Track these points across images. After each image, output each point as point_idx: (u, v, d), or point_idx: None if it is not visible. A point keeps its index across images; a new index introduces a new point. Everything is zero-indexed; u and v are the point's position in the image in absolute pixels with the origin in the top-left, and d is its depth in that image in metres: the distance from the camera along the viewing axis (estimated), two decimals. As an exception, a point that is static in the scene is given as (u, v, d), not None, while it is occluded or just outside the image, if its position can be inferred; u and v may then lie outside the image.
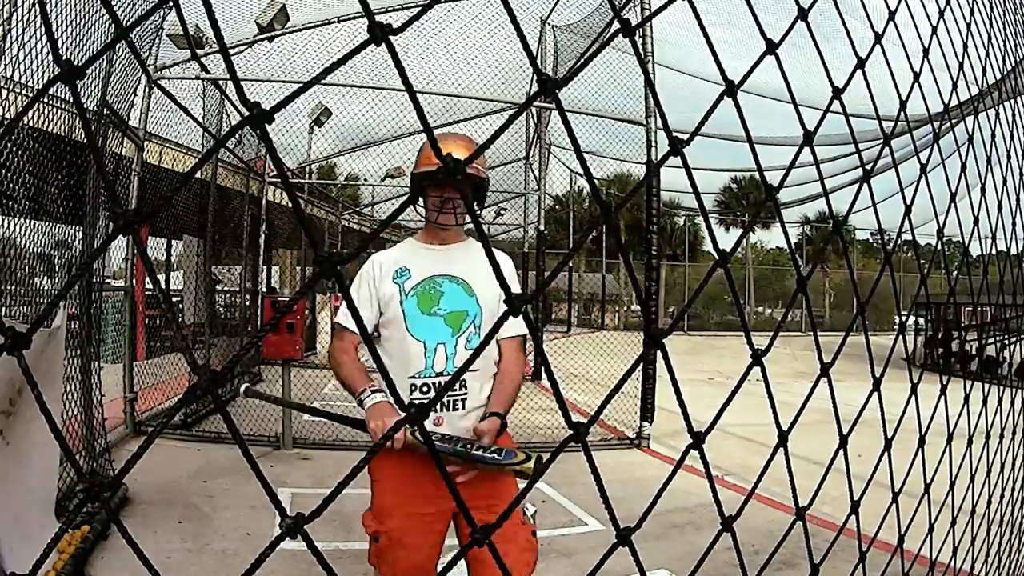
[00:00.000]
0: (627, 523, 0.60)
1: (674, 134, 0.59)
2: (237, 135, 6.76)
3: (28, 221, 3.07)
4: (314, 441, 5.36)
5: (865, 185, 0.91)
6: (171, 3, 4.25)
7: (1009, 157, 1.74)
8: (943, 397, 1.29)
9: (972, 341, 10.37)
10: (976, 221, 1.47)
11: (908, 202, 1.02)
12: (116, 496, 3.60)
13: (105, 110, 4.02)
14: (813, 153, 0.79)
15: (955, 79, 1.29)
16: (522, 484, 1.74)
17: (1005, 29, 1.79)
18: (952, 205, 1.28)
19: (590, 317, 24.80)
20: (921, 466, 1.16)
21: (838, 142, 11.22)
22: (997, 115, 1.77)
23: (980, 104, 1.57)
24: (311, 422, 5.99)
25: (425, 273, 1.85)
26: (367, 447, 4.79)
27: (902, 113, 0.99)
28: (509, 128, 0.56)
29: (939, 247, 1.29)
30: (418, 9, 0.52)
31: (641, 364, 0.67)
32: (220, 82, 6.16)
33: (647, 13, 5.68)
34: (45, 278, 3.78)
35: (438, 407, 1.78)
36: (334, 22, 7.88)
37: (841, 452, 0.89)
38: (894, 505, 1.08)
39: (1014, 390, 2.08)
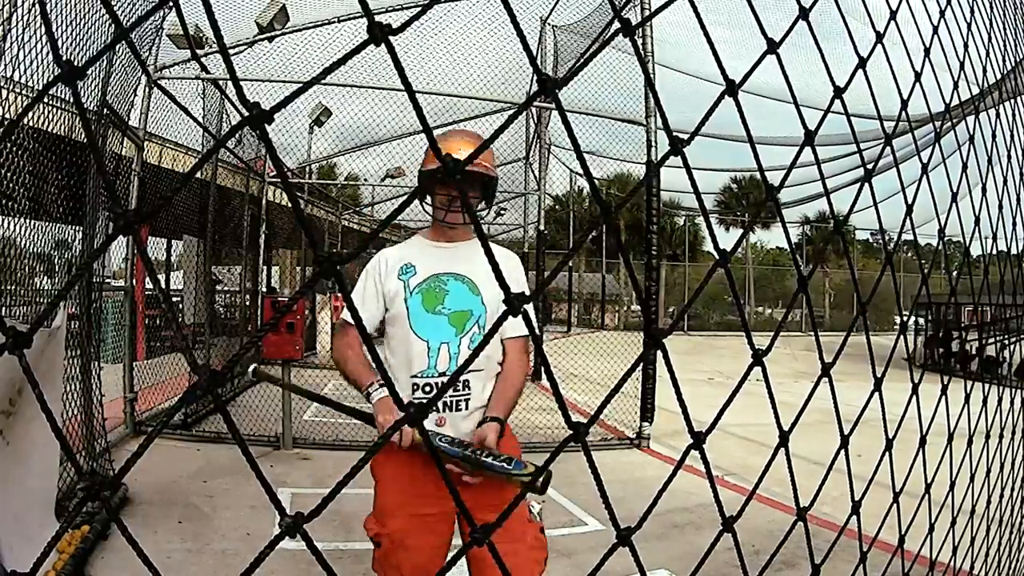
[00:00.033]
0: (627, 523, 0.60)
1: (674, 134, 0.58)
2: (237, 135, 6.76)
3: (28, 221, 3.07)
4: (314, 441, 5.36)
5: (866, 185, 0.91)
6: (171, 3, 4.25)
7: (1009, 157, 1.74)
8: (944, 397, 1.29)
9: (972, 341, 10.37)
10: (977, 221, 1.47)
11: (909, 202, 1.02)
12: (116, 496, 3.60)
13: (105, 110, 4.02)
14: (814, 153, 0.79)
15: (956, 79, 1.29)
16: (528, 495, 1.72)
17: (1005, 29, 1.79)
18: (953, 205, 1.28)
19: (590, 317, 24.80)
20: (922, 466, 1.16)
21: (838, 142, 11.23)
22: (997, 115, 1.77)
23: (981, 104, 1.57)
24: (311, 422, 6.00)
25: (431, 270, 1.83)
26: (367, 447, 4.79)
27: (903, 113, 0.98)
28: (509, 128, 0.56)
29: (939, 247, 1.28)
30: (418, 9, 0.52)
31: (641, 364, 0.67)
32: (220, 82, 6.15)
33: (647, 13, 5.68)
34: (45, 278, 3.78)
35: (440, 407, 1.75)
36: (334, 22, 7.88)
37: (842, 452, 0.89)
38: (894, 505, 1.08)
39: (1014, 390, 2.08)
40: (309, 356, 9.39)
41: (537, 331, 1.91)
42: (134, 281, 5.70)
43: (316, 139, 11.60)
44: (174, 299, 8.69)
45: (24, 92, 2.86)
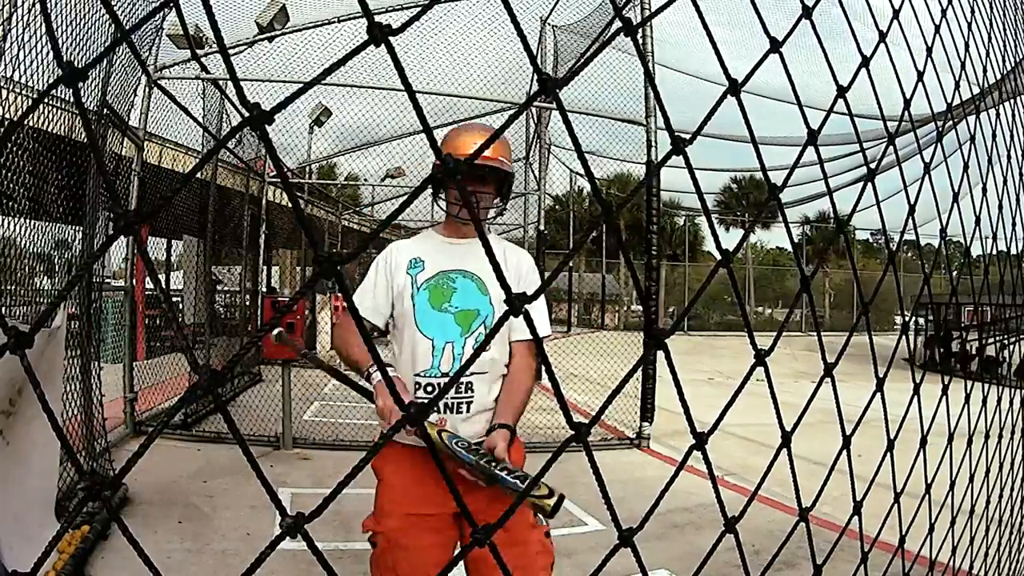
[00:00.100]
0: (627, 523, 0.60)
1: (676, 134, 0.58)
2: (237, 135, 6.75)
3: (28, 221, 3.07)
4: (314, 441, 5.36)
5: (868, 184, 0.91)
6: (171, 3, 4.25)
7: (1009, 157, 1.74)
8: (944, 397, 1.29)
9: (972, 341, 10.37)
10: (977, 221, 1.47)
11: (912, 201, 1.02)
12: (116, 496, 3.60)
13: (105, 110, 4.02)
14: (817, 152, 0.79)
15: (957, 78, 1.29)
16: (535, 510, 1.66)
17: (1005, 29, 1.78)
18: (955, 204, 1.28)
19: (590, 317, 24.80)
20: (922, 466, 1.16)
21: (839, 142, 11.23)
22: (998, 115, 1.77)
23: (981, 104, 1.57)
24: (311, 422, 6.00)
25: (439, 267, 1.79)
26: (367, 447, 4.79)
27: (906, 112, 0.98)
28: (509, 128, 0.56)
29: (941, 247, 1.28)
30: (418, 9, 0.52)
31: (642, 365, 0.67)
32: (220, 82, 6.15)
33: (647, 13, 5.68)
34: (45, 278, 3.78)
35: (441, 408, 1.70)
36: (334, 22, 7.88)
37: (844, 453, 0.89)
38: (895, 506, 1.08)
39: (1014, 390, 2.08)
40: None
41: (544, 331, 1.85)
42: (134, 281, 5.70)
43: (316, 139, 11.61)
44: (174, 299, 8.69)
45: (24, 92, 2.86)
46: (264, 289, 8.80)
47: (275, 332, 1.96)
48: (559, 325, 20.21)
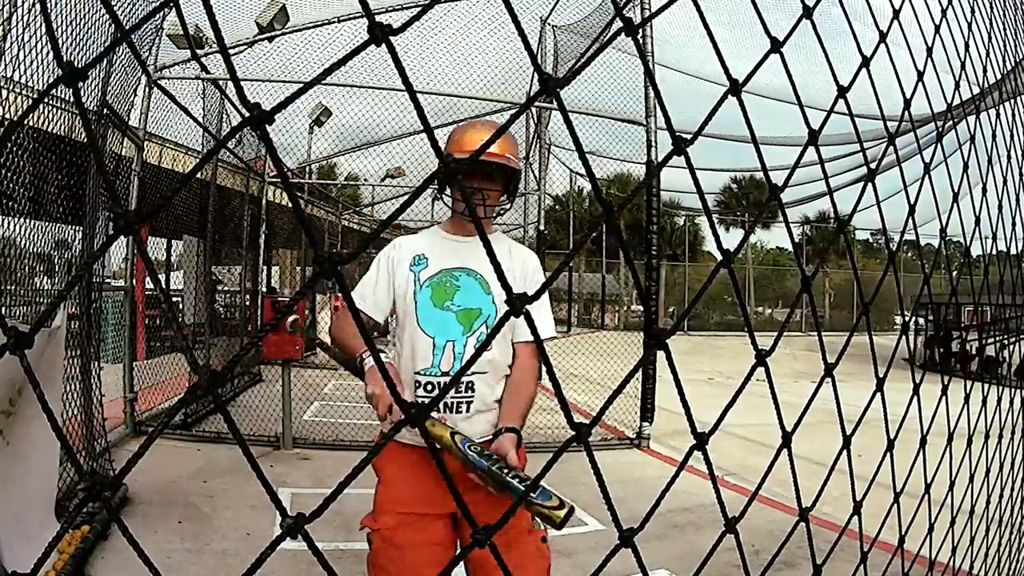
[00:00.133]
0: (628, 523, 0.60)
1: (677, 134, 0.58)
2: (237, 135, 6.75)
3: (28, 221, 3.07)
4: (314, 441, 5.37)
5: (869, 184, 0.91)
6: (171, 3, 4.25)
7: (1009, 157, 1.74)
8: (944, 397, 1.29)
9: (972, 341, 10.38)
10: (977, 221, 1.47)
11: (912, 202, 1.02)
12: (116, 496, 3.60)
13: (105, 110, 4.02)
14: (818, 152, 0.79)
15: (958, 78, 1.29)
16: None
17: (1005, 29, 1.79)
18: (955, 204, 1.28)
19: (590, 317, 24.80)
20: (922, 466, 1.16)
21: (838, 142, 11.23)
22: (998, 115, 1.77)
23: (981, 103, 1.57)
24: (311, 422, 6.00)
25: (443, 264, 1.76)
26: (368, 447, 4.79)
27: (906, 112, 0.98)
28: (509, 128, 0.56)
29: (940, 246, 1.28)
30: (418, 9, 0.52)
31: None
32: (220, 82, 6.15)
33: (648, 13, 5.68)
34: (45, 278, 3.78)
35: (441, 407, 1.69)
36: (334, 22, 7.88)
37: (844, 453, 0.89)
38: (895, 506, 1.08)
39: (1014, 390, 2.08)
40: (309, 356, 9.40)
41: (548, 332, 1.83)
42: (134, 281, 5.70)
43: (316, 139, 11.62)
44: (174, 299, 8.69)
45: (24, 92, 2.86)
46: (264, 289, 8.81)
47: (290, 320, 1.94)
48: (559, 325, 20.20)
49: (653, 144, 5.96)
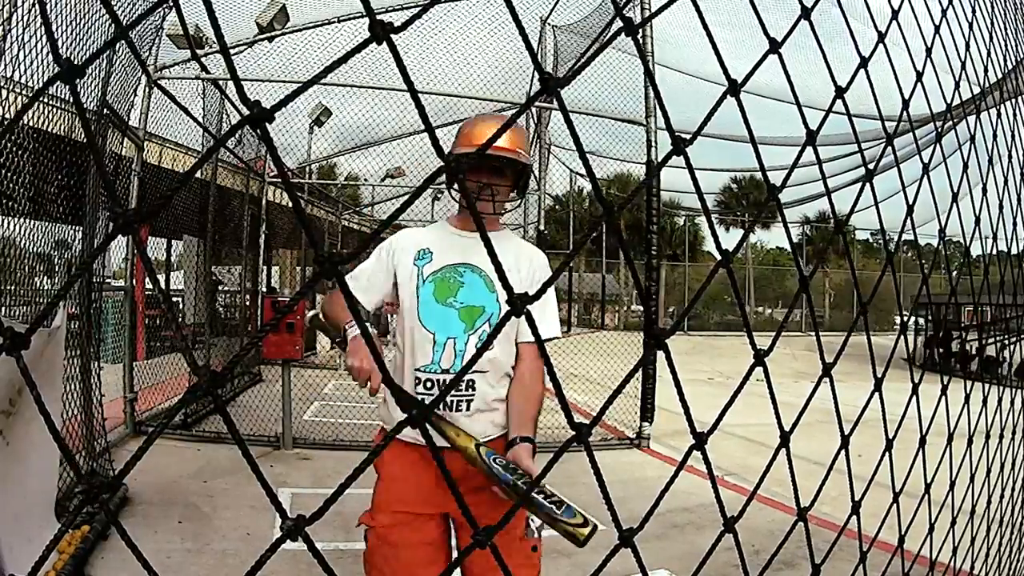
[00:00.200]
0: (628, 523, 0.60)
1: (677, 134, 0.58)
2: (237, 135, 6.76)
3: (28, 221, 3.07)
4: (314, 441, 5.37)
5: (867, 185, 0.91)
6: (171, 3, 4.25)
7: (1010, 157, 1.74)
8: (944, 397, 1.29)
9: (972, 341, 10.38)
10: (977, 221, 1.47)
11: (910, 202, 1.02)
12: (116, 496, 3.60)
13: (105, 110, 4.02)
14: (816, 153, 0.79)
15: (957, 78, 1.29)
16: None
17: (1006, 29, 1.79)
18: (954, 205, 1.28)
19: (590, 317, 24.80)
20: (922, 466, 1.16)
21: (837, 142, 11.23)
22: (999, 114, 1.77)
23: (981, 103, 1.57)
24: (311, 422, 6.00)
25: (447, 260, 1.72)
26: (368, 447, 4.79)
27: (904, 112, 0.98)
28: (517, 121, 0.56)
29: (939, 247, 1.28)
30: (418, 9, 0.52)
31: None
32: (220, 82, 6.16)
33: (648, 13, 5.68)
34: (45, 278, 3.78)
35: (441, 407, 1.66)
36: (334, 22, 7.88)
37: (842, 452, 0.89)
38: (894, 505, 1.08)
39: (1014, 390, 2.08)
40: (309, 356, 9.40)
41: (553, 333, 1.81)
42: (134, 281, 5.70)
43: (316, 139, 11.61)
44: (174, 299, 8.69)
45: (24, 92, 2.86)
46: (264, 289, 8.81)
47: (309, 315, 1.91)
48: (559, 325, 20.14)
49: (653, 144, 5.96)
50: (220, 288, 7.97)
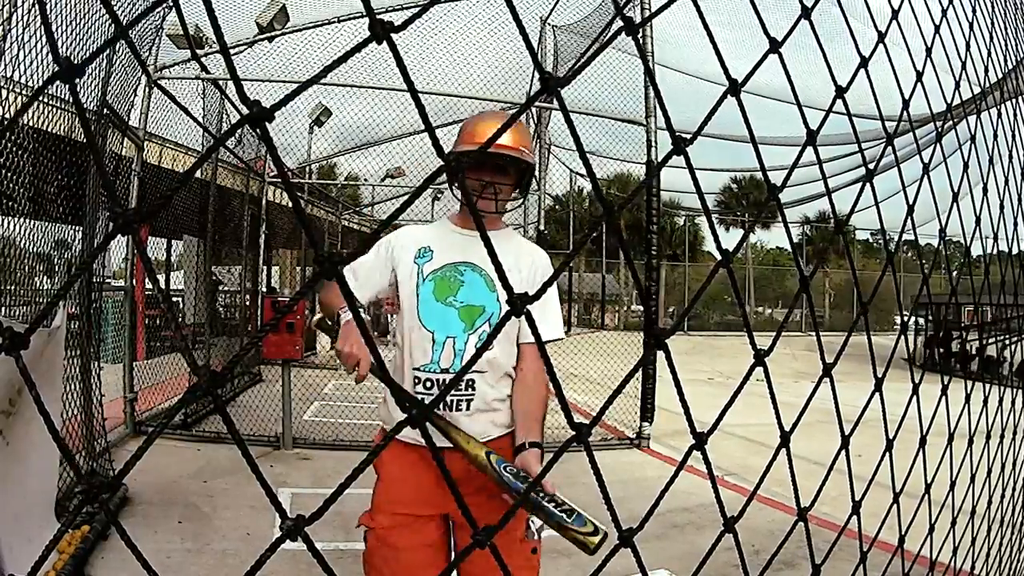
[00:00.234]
0: (628, 523, 0.60)
1: (677, 134, 0.58)
2: (237, 135, 6.77)
3: (28, 221, 3.07)
4: (314, 441, 5.37)
5: (867, 185, 0.91)
6: (171, 3, 4.25)
7: (1011, 156, 1.74)
8: (944, 397, 1.29)
9: (972, 341, 10.37)
10: (977, 221, 1.47)
11: (910, 201, 1.02)
12: (116, 496, 3.60)
13: (105, 110, 4.02)
14: (816, 153, 0.78)
15: (958, 78, 1.29)
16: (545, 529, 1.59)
17: (1006, 28, 1.79)
18: (954, 204, 1.28)
19: (590, 317, 24.80)
20: (922, 466, 1.16)
21: (838, 142, 11.23)
22: (999, 114, 1.77)
23: (982, 103, 1.57)
24: (311, 422, 6.00)
25: (448, 258, 1.70)
26: (367, 447, 4.79)
27: (904, 112, 0.98)
28: (519, 119, 0.56)
29: (940, 247, 1.28)
30: (418, 9, 0.52)
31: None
32: (220, 82, 6.15)
33: (648, 13, 5.68)
34: (45, 278, 3.78)
35: (440, 406, 1.65)
36: (334, 22, 7.88)
37: (842, 452, 0.89)
38: (895, 505, 1.08)
39: (1014, 390, 2.08)
40: (309, 356, 9.40)
41: (556, 334, 1.80)
42: (134, 281, 5.70)
43: (316, 139, 11.61)
44: (174, 299, 8.69)
45: (24, 92, 2.86)
46: (264, 289, 8.81)
47: (315, 319, 1.89)
48: (559, 325, 20.13)
49: (653, 144, 5.96)
50: (220, 288, 7.97)
